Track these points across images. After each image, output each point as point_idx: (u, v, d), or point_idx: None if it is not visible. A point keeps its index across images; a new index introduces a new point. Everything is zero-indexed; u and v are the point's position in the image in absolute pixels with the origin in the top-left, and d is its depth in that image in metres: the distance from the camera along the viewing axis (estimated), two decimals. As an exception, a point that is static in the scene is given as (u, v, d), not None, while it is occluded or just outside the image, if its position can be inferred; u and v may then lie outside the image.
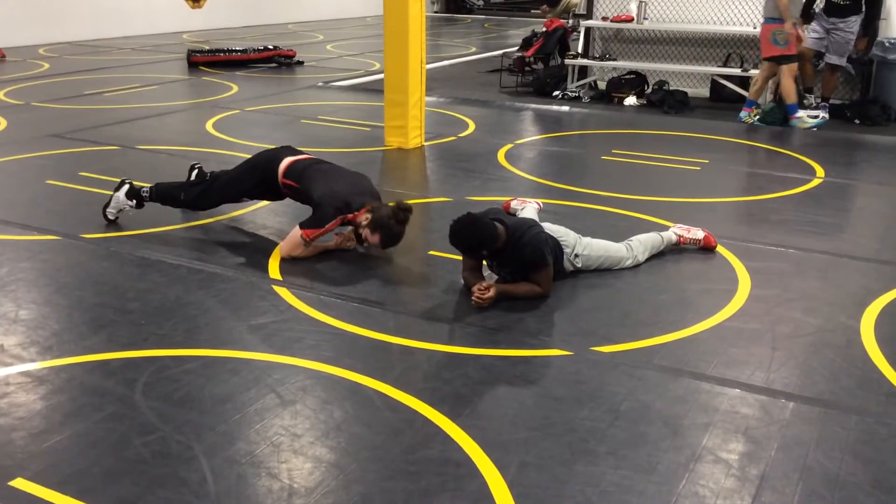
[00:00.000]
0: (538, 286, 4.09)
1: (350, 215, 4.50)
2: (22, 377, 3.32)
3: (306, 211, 4.71)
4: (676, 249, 4.79)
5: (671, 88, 9.55)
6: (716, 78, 9.65)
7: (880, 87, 8.87)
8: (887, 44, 8.63)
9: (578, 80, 10.19)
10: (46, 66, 11.89)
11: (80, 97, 9.48)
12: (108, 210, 5.09)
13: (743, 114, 8.53)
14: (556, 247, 4.23)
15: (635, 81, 9.85)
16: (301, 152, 4.93)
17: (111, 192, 5.13)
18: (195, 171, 5.45)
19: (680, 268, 4.60)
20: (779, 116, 8.46)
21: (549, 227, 4.32)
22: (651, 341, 3.69)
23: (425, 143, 7.43)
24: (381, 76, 8.36)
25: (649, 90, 9.73)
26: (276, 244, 4.76)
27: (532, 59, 10.85)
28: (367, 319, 3.88)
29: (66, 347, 3.57)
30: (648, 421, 3.06)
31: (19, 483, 2.65)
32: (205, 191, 4.98)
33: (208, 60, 12.11)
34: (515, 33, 17.69)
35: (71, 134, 7.56)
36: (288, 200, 4.97)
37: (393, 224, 4.39)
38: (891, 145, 7.74)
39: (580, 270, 4.38)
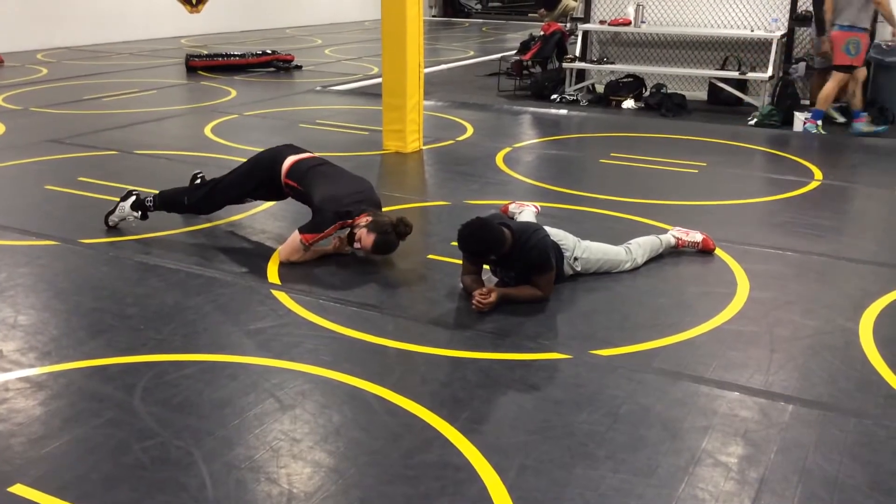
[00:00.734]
0: (539, 290, 4.09)
1: (349, 220, 4.50)
2: (21, 383, 3.32)
3: (305, 215, 4.71)
4: (675, 252, 4.80)
5: (669, 91, 9.58)
6: (713, 81, 9.68)
7: (878, 90, 8.87)
8: (884, 46, 8.65)
9: (576, 83, 10.22)
10: (45, 70, 11.88)
11: (78, 102, 9.47)
12: (110, 217, 5.06)
13: (857, 125, 8.21)
14: (556, 251, 4.23)
15: (633, 85, 9.87)
16: (303, 150, 4.92)
17: (116, 200, 5.09)
18: (198, 181, 5.44)
19: (678, 271, 4.60)
20: (777, 119, 8.48)
21: (548, 231, 4.32)
22: (650, 344, 3.69)
23: (423, 147, 7.43)
24: (379, 80, 8.37)
25: (647, 93, 9.75)
26: (274, 249, 4.76)
27: (530, 62, 10.86)
28: (365, 323, 3.87)
29: (64, 353, 3.56)
30: (648, 424, 3.06)
31: (18, 489, 2.65)
32: (209, 193, 4.96)
33: (207, 65, 12.14)
34: (513, 37, 17.69)
35: (69, 139, 7.55)
36: (287, 203, 4.96)
37: (391, 232, 4.38)
38: (889, 148, 7.75)
39: (579, 274, 4.38)
